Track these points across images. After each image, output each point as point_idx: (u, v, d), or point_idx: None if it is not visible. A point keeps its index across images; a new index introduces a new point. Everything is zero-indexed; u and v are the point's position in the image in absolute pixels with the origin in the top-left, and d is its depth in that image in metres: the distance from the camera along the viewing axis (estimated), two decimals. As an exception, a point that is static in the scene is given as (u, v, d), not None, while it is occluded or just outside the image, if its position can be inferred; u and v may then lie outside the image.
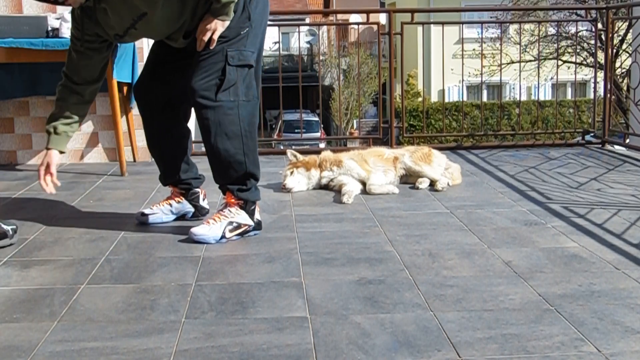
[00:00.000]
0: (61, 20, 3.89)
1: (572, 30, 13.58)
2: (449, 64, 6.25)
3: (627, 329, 1.86)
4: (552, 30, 15.39)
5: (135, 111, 4.43)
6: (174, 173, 2.95)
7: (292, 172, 3.57)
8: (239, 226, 2.70)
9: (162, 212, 2.95)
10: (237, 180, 2.72)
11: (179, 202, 2.97)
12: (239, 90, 2.66)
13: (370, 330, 1.86)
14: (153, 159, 3.04)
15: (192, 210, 2.99)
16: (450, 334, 1.83)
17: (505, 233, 2.78)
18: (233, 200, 2.73)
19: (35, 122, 4.46)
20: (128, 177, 4.00)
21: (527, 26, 12.57)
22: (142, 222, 2.93)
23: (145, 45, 4.44)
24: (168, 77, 2.82)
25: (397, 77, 12.63)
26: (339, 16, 25.55)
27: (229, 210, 2.72)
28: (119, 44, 3.81)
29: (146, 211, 2.96)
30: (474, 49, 12.39)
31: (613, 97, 5.46)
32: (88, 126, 4.47)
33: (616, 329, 1.85)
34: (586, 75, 14.33)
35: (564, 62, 14.50)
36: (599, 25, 6.08)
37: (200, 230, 2.66)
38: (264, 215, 3.04)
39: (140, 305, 2.06)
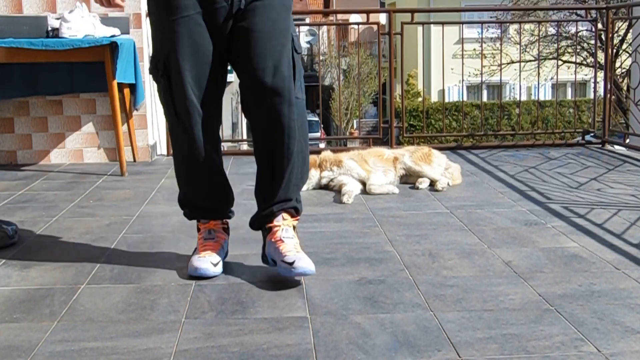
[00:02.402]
0: (61, 20, 3.89)
1: (572, 30, 13.59)
2: (449, 64, 6.26)
3: (627, 329, 1.86)
4: (552, 30, 15.40)
5: (135, 111, 4.43)
6: (231, 195, 2.42)
7: (292, 172, 3.57)
8: None
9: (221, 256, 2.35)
10: (299, 195, 2.36)
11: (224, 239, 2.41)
12: (302, 84, 2.27)
13: (370, 330, 1.86)
14: (192, 195, 2.37)
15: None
16: (450, 334, 1.83)
17: (505, 233, 2.78)
18: (295, 219, 2.35)
19: (35, 122, 4.46)
20: (128, 177, 4.00)
21: (527, 26, 12.57)
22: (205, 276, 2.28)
23: (145, 44, 4.45)
24: (220, 77, 2.27)
25: (397, 77, 12.64)
26: (339, 16, 25.55)
27: (293, 234, 2.30)
28: (119, 45, 3.82)
29: (214, 263, 2.29)
30: (474, 49, 12.39)
31: (613, 97, 5.46)
32: (88, 126, 4.47)
33: (616, 329, 1.85)
34: (586, 75, 14.33)
35: (564, 62, 14.51)
36: (599, 25, 6.08)
37: (306, 263, 2.17)
38: (264, 215, 3.03)
39: (140, 305, 2.06)
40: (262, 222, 2.34)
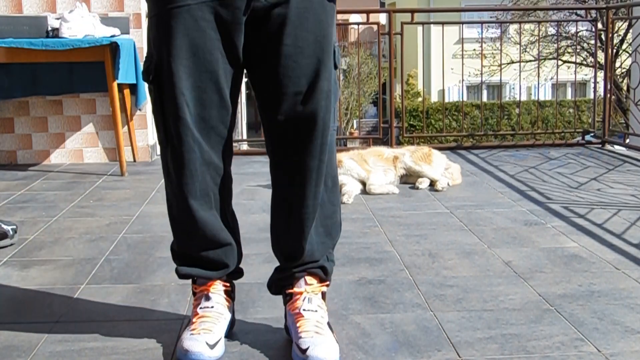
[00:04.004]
0: (61, 20, 3.89)
1: (572, 30, 13.60)
2: (449, 64, 6.24)
3: (627, 329, 1.86)
4: (552, 30, 15.40)
5: (138, 111, 4.43)
6: (239, 252, 1.88)
7: (292, 172, 3.56)
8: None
9: (222, 328, 1.78)
10: (329, 253, 1.87)
11: (229, 301, 1.86)
12: (336, 110, 1.77)
13: (370, 330, 1.86)
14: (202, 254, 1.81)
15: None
16: (450, 334, 1.83)
17: (505, 233, 2.78)
18: (324, 284, 1.85)
19: (35, 122, 4.46)
20: (128, 177, 4.00)
21: (527, 26, 12.57)
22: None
23: (145, 44, 4.44)
24: (230, 91, 1.71)
25: (397, 77, 12.64)
26: (339, 16, 25.53)
27: (319, 304, 1.79)
28: (119, 45, 3.82)
29: (211, 344, 1.70)
30: (474, 49, 12.40)
31: (613, 97, 5.46)
32: (88, 126, 4.47)
33: (616, 329, 1.85)
34: (586, 75, 14.34)
35: (564, 62, 14.51)
36: (599, 25, 6.08)
37: (323, 352, 1.65)
38: (264, 215, 3.03)
39: (140, 305, 2.06)
40: (280, 285, 1.86)
